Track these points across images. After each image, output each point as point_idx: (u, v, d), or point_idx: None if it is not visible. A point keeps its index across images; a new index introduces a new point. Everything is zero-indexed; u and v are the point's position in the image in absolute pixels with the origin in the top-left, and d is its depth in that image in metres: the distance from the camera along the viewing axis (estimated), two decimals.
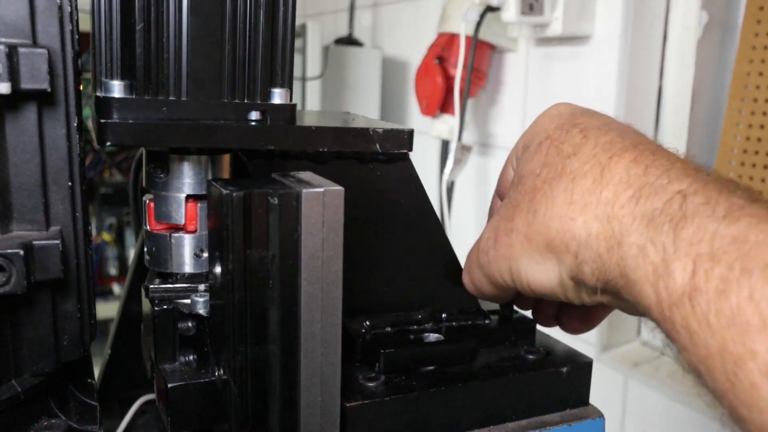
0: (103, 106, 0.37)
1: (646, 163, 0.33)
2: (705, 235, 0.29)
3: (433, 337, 0.45)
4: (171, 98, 0.39)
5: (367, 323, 0.44)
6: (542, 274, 0.37)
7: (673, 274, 0.29)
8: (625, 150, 0.35)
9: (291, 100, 0.42)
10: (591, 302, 0.37)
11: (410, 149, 0.45)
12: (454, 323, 0.47)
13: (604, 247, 0.33)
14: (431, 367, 0.43)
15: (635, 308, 0.33)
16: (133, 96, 0.38)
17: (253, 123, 0.41)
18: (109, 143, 0.37)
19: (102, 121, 0.37)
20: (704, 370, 0.28)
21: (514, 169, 0.42)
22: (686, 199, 0.30)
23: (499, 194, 0.46)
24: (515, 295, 0.44)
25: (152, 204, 0.43)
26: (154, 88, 0.38)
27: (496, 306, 0.49)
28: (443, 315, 0.46)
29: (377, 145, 0.44)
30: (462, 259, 0.48)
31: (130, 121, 0.37)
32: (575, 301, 0.38)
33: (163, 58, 0.38)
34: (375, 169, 0.46)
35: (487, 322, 0.47)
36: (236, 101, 0.40)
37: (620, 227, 0.32)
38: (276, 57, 0.41)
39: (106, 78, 0.38)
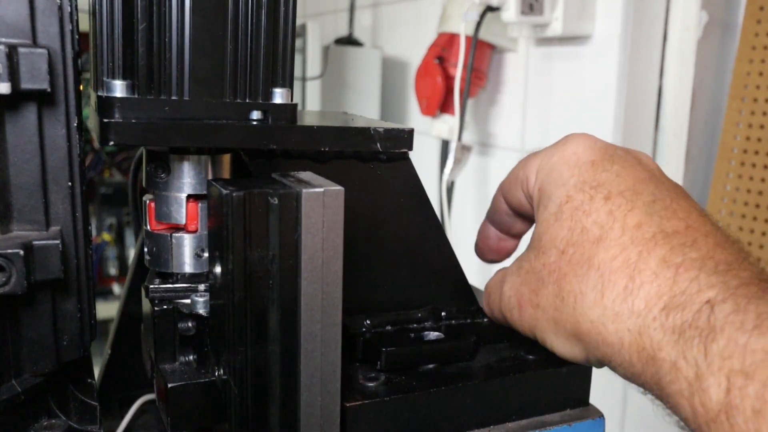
0: (106, 105, 0.37)
1: (676, 263, 0.33)
2: (736, 350, 0.28)
3: (433, 335, 0.45)
4: (173, 98, 0.39)
5: (368, 322, 0.44)
6: (568, 351, 0.38)
7: (708, 390, 0.29)
8: (655, 243, 0.33)
9: (292, 99, 0.42)
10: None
11: (410, 148, 0.46)
12: (453, 321, 0.47)
13: (636, 358, 0.33)
14: (432, 366, 0.43)
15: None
16: (136, 96, 0.38)
17: (255, 123, 0.41)
18: (112, 143, 0.37)
19: (105, 120, 0.37)
20: None
21: (528, 201, 0.42)
22: (714, 310, 0.30)
23: (506, 197, 0.45)
24: None
25: (153, 204, 0.43)
26: (156, 88, 0.39)
27: None
28: (442, 313, 0.47)
29: (378, 145, 0.44)
30: (461, 259, 0.48)
31: (133, 121, 0.37)
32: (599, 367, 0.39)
33: (166, 58, 0.38)
34: (375, 168, 0.46)
35: (485, 320, 0.48)
36: (238, 101, 0.40)
37: (651, 342, 0.32)
38: (277, 57, 0.41)
39: (108, 78, 0.38)
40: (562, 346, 0.38)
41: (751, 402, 0.27)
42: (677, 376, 0.30)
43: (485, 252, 0.50)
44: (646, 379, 0.33)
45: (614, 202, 0.35)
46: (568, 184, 0.37)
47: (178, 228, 0.43)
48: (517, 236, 0.49)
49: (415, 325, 0.46)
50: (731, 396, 0.28)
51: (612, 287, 0.34)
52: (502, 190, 0.45)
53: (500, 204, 0.47)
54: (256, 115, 0.41)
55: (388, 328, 0.45)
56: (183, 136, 0.39)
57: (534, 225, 0.41)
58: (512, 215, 0.46)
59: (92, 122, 0.43)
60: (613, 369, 0.35)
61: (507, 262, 0.46)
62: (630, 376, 0.34)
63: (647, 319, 0.32)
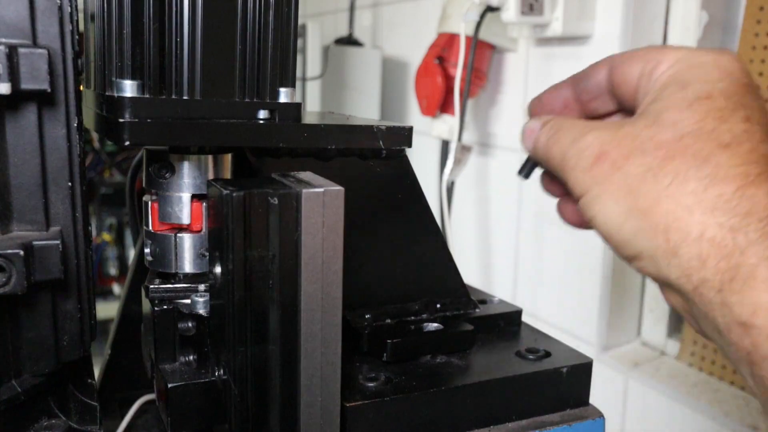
0: (116, 105, 0.38)
1: None
2: None
3: (432, 326, 0.46)
4: (185, 97, 0.39)
5: (368, 316, 0.45)
6: (617, 223, 0.35)
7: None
8: None
9: (296, 99, 0.43)
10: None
11: (409, 146, 0.47)
12: (447, 313, 0.48)
13: (712, 252, 0.32)
14: (432, 366, 0.43)
15: (709, 331, 0.32)
16: (146, 95, 0.38)
17: (262, 121, 0.41)
18: (127, 142, 0.37)
19: (120, 120, 0.37)
20: None
21: (643, 83, 0.39)
22: None
23: (614, 69, 0.42)
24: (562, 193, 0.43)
25: (155, 204, 0.43)
26: (167, 88, 0.39)
27: (483, 296, 0.53)
28: (437, 305, 0.48)
29: (381, 142, 0.45)
30: (461, 258, 0.48)
31: (148, 120, 0.37)
32: (632, 264, 0.36)
33: (177, 57, 0.39)
34: (375, 165, 0.46)
35: (477, 310, 0.49)
36: (246, 100, 0.41)
37: (747, 238, 0.31)
38: (283, 57, 0.42)
39: (117, 77, 0.38)
40: (613, 216, 0.35)
41: None
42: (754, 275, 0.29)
43: (542, 107, 0.46)
44: (706, 280, 0.31)
45: (753, 126, 0.34)
46: (714, 84, 0.35)
47: (182, 228, 0.43)
48: (590, 113, 0.45)
49: (413, 318, 0.47)
50: None
51: (721, 187, 0.32)
52: (613, 60, 0.42)
53: (599, 72, 0.43)
54: (263, 114, 0.41)
55: (388, 321, 0.46)
56: (195, 136, 0.39)
57: (617, 111, 0.41)
58: (603, 88, 0.43)
59: (88, 122, 0.43)
60: (660, 269, 0.33)
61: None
62: (685, 284, 0.32)
63: (750, 220, 0.31)
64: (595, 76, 0.43)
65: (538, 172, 0.46)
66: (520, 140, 0.44)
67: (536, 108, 0.46)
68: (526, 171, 0.46)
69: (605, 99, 0.43)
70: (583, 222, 0.42)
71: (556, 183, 0.44)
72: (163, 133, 0.38)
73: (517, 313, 0.51)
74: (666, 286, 0.35)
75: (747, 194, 0.32)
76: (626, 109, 0.42)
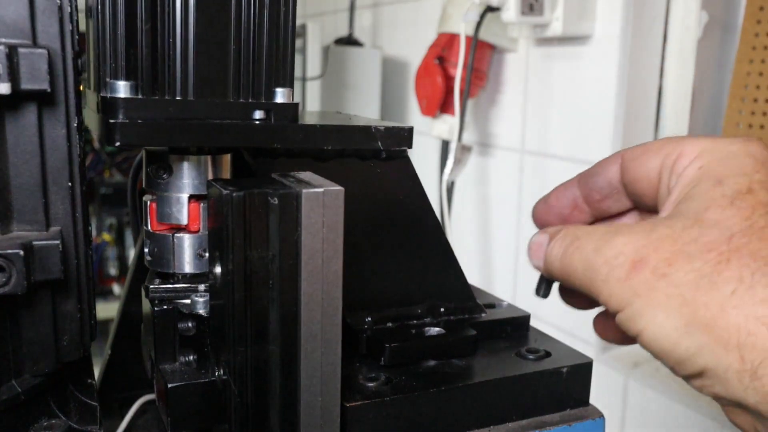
0: (110, 106, 0.38)
1: None
2: None
3: (434, 330, 0.45)
4: (177, 98, 0.39)
5: (369, 319, 0.44)
6: (672, 340, 0.31)
7: None
8: None
9: (293, 99, 0.42)
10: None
11: (410, 147, 0.46)
12: (452, 317, 0.47)
13: None
14: (432, 366, 0.43)
15: None
16: (139, 96, 0.38)
17: (258, 122, 0.41)
18: (118, 143, 0.37)
19: (111, 121, 0.37)
20: None
21: (665, 180, 0.36)
22: None
23: (628, 164, 0.38)
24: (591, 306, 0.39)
25: (154, 205, 0.43)
26: (160, 89, 0.39)
27: (490, 299, 0.51)
28: (441, 309, 0.47)
29: (379, 143, 0.44)
30: (462, 258, 0.48)
31: (139, 121, 0.37)
32: (694, 385, 0.32)
33: (170, 58, 0.39)
34: (375, 166, 0.46)
35: (483, 315, 0.48)
36: (241, 101, 0.41)
37: None
38: (279, 57, 0.41)
39: (111, 78, 0.38)
40: (667, 331, 0.31)
41: None
42: None
43: (547, 214, 0.42)
44: None
45: None
46: (752, 176, 0.33)
47: (180, 228, 0.43)
48: (601, 213, 0.41)
49: (415, 321, 0.46)
50: None
51: None
52: (625, 155, 0.39)
53: (610, 167, 0.39)
54: (258, 114, 0.41)
55: (389, 324, 0.45)
56: (188, 136, 0.39)
57: (640, 210, 0.38)
58: (615, 186, 0.39)
59: (89, 122, 0.43)
60: (729, 386, 0.30)
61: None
62: (759, 398, 0.29)
63: None
64: (605, 173, 0.40)
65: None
66: (528, 256, 0.40)
67: (542, 211, 0.43)
68: (543, 290, 0.42)
69: (618, 197, 0.40)
70: (626, 338, 0.37)
71: (579, 295, 0.39)
72: (155, 133, 0.38)
73: (525, 318, 0.50)
74: (736, 406, 0.31)
75: None
76: (645, 206, 0.39)
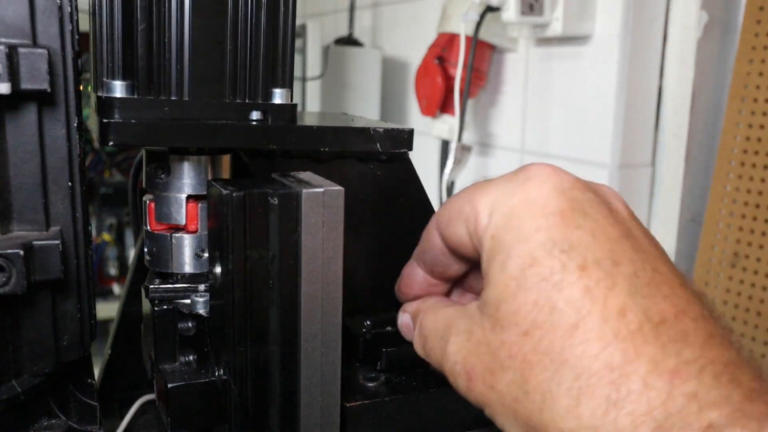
0: (105, 106, 0.37)
1: (669, 369, 0.27)
2: None
3: None
4: (173, 98, 0.39)
5: (368, 322, 0.44)
6: None
7: None
8: (644, 341, 0.27)
9: (291, 100, 0.42)
10: None
11: (410, 149, 0.46)
12: None
13: None
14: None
15: None
16: (135, 96, 0.38)
17: (255, 123, 0.41)
18: (112, 143, 0.37)
19: (105, 120, 0.37)
20: None
21: (475, 243, 0.34)
22: None
23: (444, 239, 0.37)
24: None
25: (153, 204, 0.43)
26: (156, 88, 0.39)
27: None
28: None
29: (378, 145, 0.44)
30: None
31: (133, 121, 0.37)
32: None
33: (166, 58, 0.38)
34: (375, 168, 0.46)
35: None
36: (238, 101, 0.40)
37: None
38: (277, 57, 0.41)
39: (108, 78, 0.38)
40: None
41: None
42: None
43: (407, 296, 0.41)
44: None
45: (591, 276, 0.29)
46: (532, 241, 0.30)
47: (178, 228, 0.43)
48: (452, 280, 0.40)
49: None
50: None
51: (591, 395, 0.27)
52: (439, 225, 0.37)
53: (434, 240, 0.38)
54: (255, 115, 0.41)
55: (389, 328, 0.45)
56: (183, 137, 0.39)
57: (481, 277, 0.33)
58: (449, 255, 0.38)
59: (92, 122, 0.43)
60: None
61: None
62: None
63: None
64: (432, 248, 0.38)
65: None
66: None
67: (404, 295, 0.41)
68: None
69: (455, 262, 0.38)
70: None
71: None
72: (150, 134, 0.38)
73: None
74: None
75: (620, 397, 0.27)
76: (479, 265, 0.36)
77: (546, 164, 0.33)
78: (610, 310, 0.28)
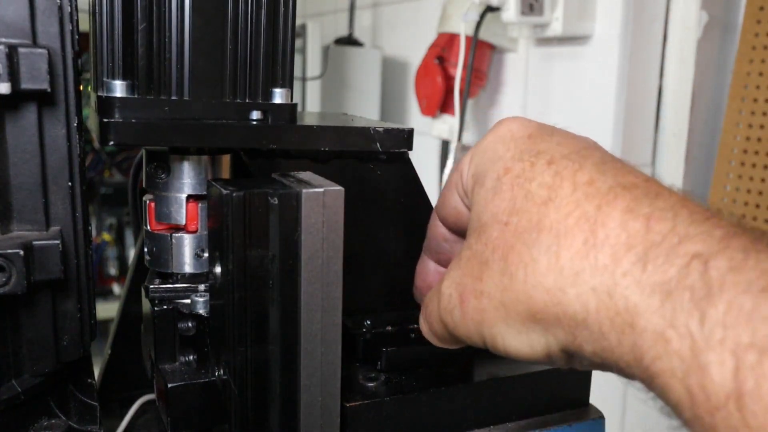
0: (106, 105, 0.37)
1: (644, 212, 0.27)
2: (741, 316, 0.23)
3: None
4: (173, 98, 0.39)
5: (368, 322, 0.44)
6: (525, 344, 0.31)
7: (709, 369, 0.23)
8: (615, 195, 0.28)
9: (291, 99, 0.42)
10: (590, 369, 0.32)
11: (410, 148, 0.46)
12: None
13: (609, 326, 0.27)
14: (431, 366, 0.43)
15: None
16: (136, 96, 0.38)
17: (255, 122, 0.41)
18: (112, 143, 0.37)
19: (105, 120, 0.37)
20: None
21: (466, 203, 0.36)
22: (708, 265, 0.24)
23: (442, 220, 0.39)
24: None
25: (153, 204, 0.43)
26: (156, 88, 0.39)
27: None
28: None
29: (378, 144, 0.44)
30: None
31: (133, 121, 0.37)
32: (565, 367, 0.32)
33: (166, 58, 0.38)
34: (375, 168, 0.46)
35: None
36: (238, 101, 0.40)
37: (627, 304, 0.26)
38: (277, 57, 0.41)
39: (108, 78, 0.38)
40: (517, 339, 0.31)
41: None
42: (666, 351, 0.24)
43: (426, 289, 0.42)
44: (623, 356, 0.26)
45: (559, 164, 0.31)
46: (504, 158, 0.33)
47: (178, 228, 0.43)
48: None
49: (415, 325, 0.46)
50: (741, 378, 0.22)
51: (569, 245, 0.28)
52: (437, 209, 0.39)
53: (437, 228, 0.40)
54: (255, 115, 0.41)
55: (389, 328, 0.45)
56: (183, 136, 0.39)
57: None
58: (451, 239, 0.39)
59: (92, 122, 0.43)
60: (582, 354, 0.29)
61: None
62: (604, 357, 0.27)
63: (616, 274, 0.26)
64: (435, 234, 0.40)
65: None
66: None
67: (422, 293, 0.42)
68: None
69: (457, 242, 0.40)
70: None
71: None
72: (150, 133, 0.38)
73: None
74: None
75: (598, 239, 0.27)
76: None
77: (517, 116, 0.36)
78: (579, 181, 0.29)
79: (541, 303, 0.29)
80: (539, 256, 0.29)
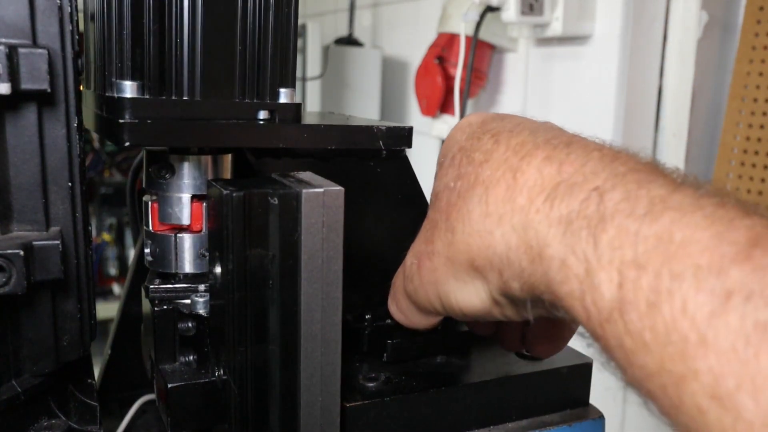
0: (116, 106, 0.38)
1: (559, 159, 0.30)
2: (627, 238, 0.25)
3: None
4: (185, 98, 0.39)
5: (368, 316, 0.44)
6: (473, 295, 0.34)
7: (599, 287, 0.26)
8: (537, 148, 0.31)
9: (295, 99, 0.43)
10: (533, 317, 0.33)
11: (409, 146, 0.46)
12: None
13: (526, 260, 0.29)
14: (431, 365, 0.43)
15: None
16: (146, 96, 0.38)
17: (262, 122, 0.41)
18: (127, 143, 0.37)
19: (120, 121, 0.37)
20: (646, 392, 0.25)
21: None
22: (603, 197, 0.27)
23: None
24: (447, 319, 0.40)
25: (156, 205, 0.43)
26: (168, 89, 0.39)
27: None
28: None
29: (381, 143, 0.45)
30: None
31: (148, 121, 0.38)
32: (516, 318, 0.34)
33: (177, 59, 0.39)
34: (375, 165, 0.46)
35: None
36: (246, 101, 0.41)
37: (537, 236, 0.29)
38: (283, 57, 0.42)
39: (117, 78, 0.38)
40: (465, 291, 0.34)
41: (645, 294, 0.24)
42: (567, 275, 0.27)
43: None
44: (539, 286, 0.29)
45: (500, 135, 0.34)
46: (460, 140, 0.36)
47: (182, 228, 0.43)
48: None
49: None
50: (624, 290, 0.25)
51: (495, 193, 0.31)
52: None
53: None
54: (263, 114, 0.41)
55: (388, 321, 0.45)
56: (195, 136, 0.39)
57: None
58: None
59: (88, 122, 0.43)
60: (514, 294, 0.31)
61: None
62: (527, 290, 0.30)
63: (530, 212, 0.29)
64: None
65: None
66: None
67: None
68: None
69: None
70: (555, 342, 0.41)
71: (480, 324, 0.43)
72: (163, 133, 0.38)
73: None
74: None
75: (517, 185, 0.31)
76: None
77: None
78: (512, 144, 0.33)
79: (476, 249, 0.32)
80: (474, 207, 0.32)
